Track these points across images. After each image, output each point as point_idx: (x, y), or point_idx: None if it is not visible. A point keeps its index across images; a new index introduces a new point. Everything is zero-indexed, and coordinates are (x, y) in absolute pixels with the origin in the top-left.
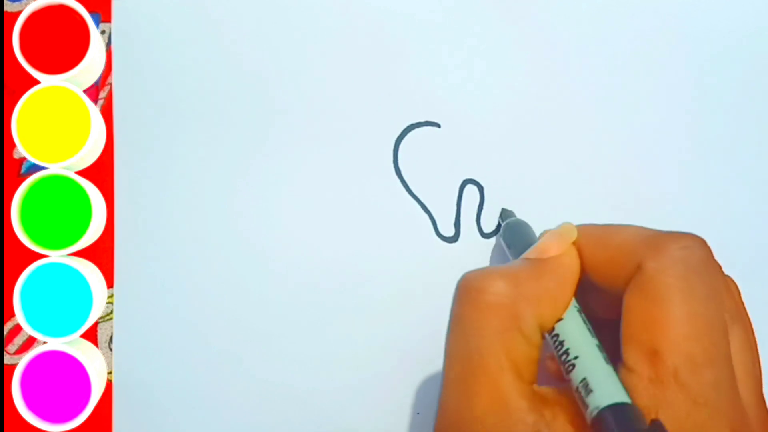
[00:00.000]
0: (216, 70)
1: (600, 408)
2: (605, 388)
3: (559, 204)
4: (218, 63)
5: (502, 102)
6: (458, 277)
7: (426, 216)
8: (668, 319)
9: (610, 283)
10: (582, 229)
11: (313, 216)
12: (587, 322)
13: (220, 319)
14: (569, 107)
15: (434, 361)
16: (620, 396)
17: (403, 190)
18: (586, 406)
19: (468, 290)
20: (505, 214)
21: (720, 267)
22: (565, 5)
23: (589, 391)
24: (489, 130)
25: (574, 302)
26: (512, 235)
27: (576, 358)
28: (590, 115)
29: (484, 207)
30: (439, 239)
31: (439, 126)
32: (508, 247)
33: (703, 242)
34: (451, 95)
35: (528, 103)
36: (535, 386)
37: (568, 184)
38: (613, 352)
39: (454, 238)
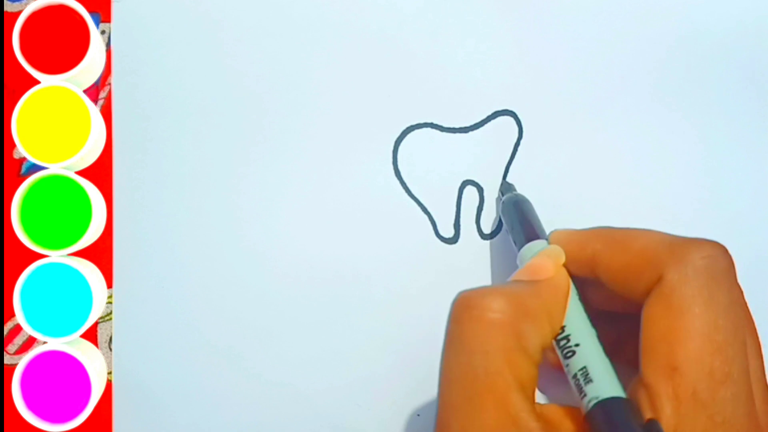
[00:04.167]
0: (215, 70)
1: (600, 399)
2: (605, 380)
3: (561, 204)
4: (218, 63)
5: (502, 103)
6: (458, 278)
7: (426, 217)
8: (689, 333)
9: (627, 289)
10: (600, 232)
11: (313, 217)
12: (586, 310)
13: (219, 319)
14: (570, 107)
15: (434, 362)
16: (619, 390)
17: (403, 191)
18: (583, 394)
19: (468, 308)
20: (505, 186)
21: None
22: (566, 6)
23: (588, 380)
24: (489, 131)
25: (574, 289)
26: (512, 213)
27: (577, 345)
28: (592, 115)
29: (484, 208)
30: (438, 240)
31: (438, 127)
32: (509, 226)
33: (725, 250)
34: (451, 96)
35: (528, 104)
36: (537, 405)
37: (569, 184)
38: (608, 344)
39: (453, 239)
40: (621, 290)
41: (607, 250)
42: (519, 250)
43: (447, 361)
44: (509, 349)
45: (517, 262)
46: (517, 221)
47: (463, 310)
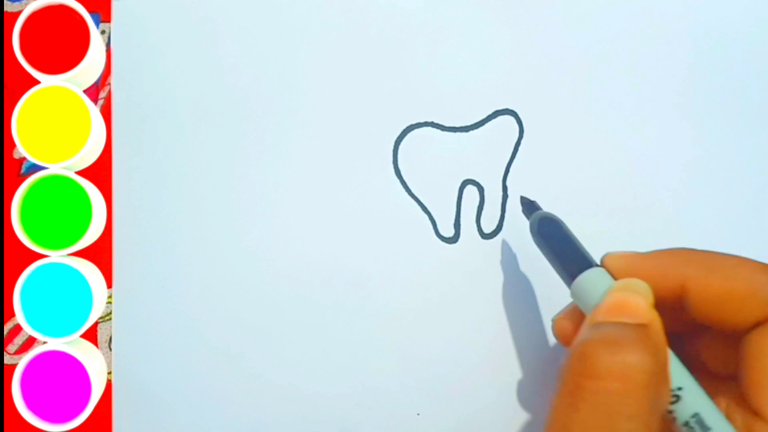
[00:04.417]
0: (215, 70)
1: None
2: (723, 427)
3: (561, 204)
4: (217, 64)
5: (502, 102)
6: (458, 278)
7: (426, 216)
8: None
9: (723, 317)
10: (686, 254)
11: (313, 217)
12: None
13: (219, 319)
14: (571, 106)
15: (433, 362)
16: None
17: (403, 190)
18: None
19: (615, 363)
20: (528, 205)
21: None
22: (566, 6)
23: (705, 427)
24: (489, 131)
25: None
26: (550, 237)
27: (680, 389)
28: (592, 114)
29: (484, 208)
30: (439, 240)
31: (438, 126)
32: (546, 251)
33: None
34: (451, 95)
35: (529, 103)
36: None
37: (569, 184)
38: None
39: (454, 239)
40: (715, 318)
41: (701, 276)
42: (568, 278)
43: (579, 419)
44: (650, 413)
45: (572, 294)
46: (560, 247)
47: (609, 362)
